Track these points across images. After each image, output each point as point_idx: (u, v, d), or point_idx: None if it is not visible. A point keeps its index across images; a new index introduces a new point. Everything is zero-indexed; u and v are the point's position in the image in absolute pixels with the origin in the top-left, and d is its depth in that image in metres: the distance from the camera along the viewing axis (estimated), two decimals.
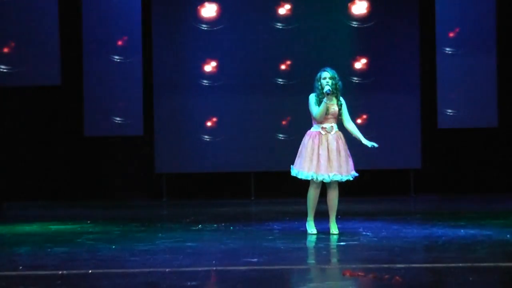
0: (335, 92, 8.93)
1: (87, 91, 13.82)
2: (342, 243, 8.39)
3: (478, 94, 13.77)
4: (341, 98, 9.04)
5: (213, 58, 13.92)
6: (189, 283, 6.24)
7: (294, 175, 9.04)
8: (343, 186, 9.27)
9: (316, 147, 8.90)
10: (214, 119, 13.96)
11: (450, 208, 12.00)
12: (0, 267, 7.11)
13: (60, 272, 6.74)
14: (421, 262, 7.28)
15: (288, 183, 10.45)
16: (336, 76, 9.01)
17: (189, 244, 8.38)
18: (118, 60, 13.81)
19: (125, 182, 14.25)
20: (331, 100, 8.94)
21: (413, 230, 9.29)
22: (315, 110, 8.93)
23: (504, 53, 13.90)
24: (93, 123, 13.81)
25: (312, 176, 8.87)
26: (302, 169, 8.91)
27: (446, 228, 9.39)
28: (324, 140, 8.91)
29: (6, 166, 13.82)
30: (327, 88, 8.85)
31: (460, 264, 6.88)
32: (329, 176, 8.85)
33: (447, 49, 13.79)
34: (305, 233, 9.05)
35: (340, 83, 9.03)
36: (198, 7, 13.94)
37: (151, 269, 6.85)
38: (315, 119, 8.98)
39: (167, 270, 6.81)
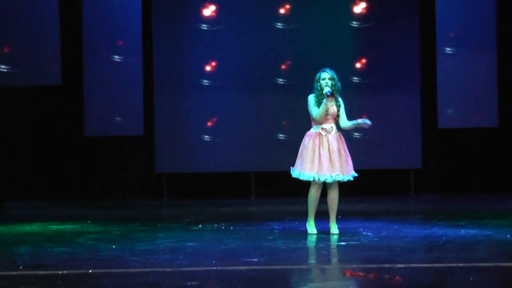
0: (335, 94, 8.93)
1: (87, 91, 13.82)
2: (342, 243, 8.39)
3: (478, 94, 13.78)
4: (339, 99, 9.03)
5: (213, 58, 13.93)
6: (189, 283, 6.24)
7: (296, 176, 9.02)
8: (343, 186, 9.27)
9: (317, 148, 8.90)
10: (214, 119, 13.97)
11: (450, 208, 12.00)
12: (0, 267, 7.11)
13: (60, 272, 6.73)
14: (421, 262, 7.27)
15: (288, 183, 10.45)
16: (335, 76, 9.01)
17: (190, 244, 8.38)
18: (118, 60, 13.81)
19: (125, 182, 14.26)
20: (331, 101, 8.94)
21: (414, 230, 9.29)
22: (315, 111, 8.93)
23: (504, 53, 13.91)
24: (93, 123, 13.81)
25: (314, 177, 8.86)
26: (303, 170, 8.91)
27: (446, 228, 9.39)
28: (324, 141, 8.91)
29: (6, 166, 13.82)
30: (326, 90, 8.84)
31: (460, 264, 6.88)
32: (331, 177, 8.85)
33: (447, 49, 13.79)
34: (305, 233, 9.05)
35: (339, 83, 9.03)
36: (198, 7, 13.95)
37: (152, 269, 6.85)
38: (315, 120, 8.97)
39: (167, 270, 6.81)
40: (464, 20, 13.79)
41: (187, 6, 13.98)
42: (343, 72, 11.19)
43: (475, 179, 14.04)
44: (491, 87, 13.77)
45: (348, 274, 6.45)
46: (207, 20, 13.94)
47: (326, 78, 8.96)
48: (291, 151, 9.36)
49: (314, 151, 8.90)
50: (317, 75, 9.03)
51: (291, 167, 9.06)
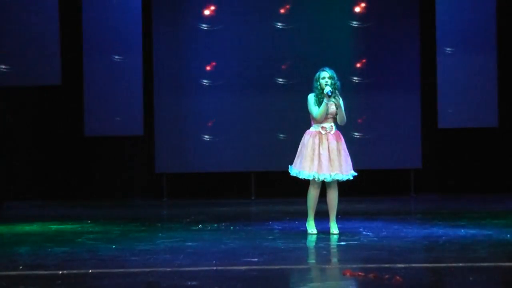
0: (335, 94, 8.93)
1: (87, 91, 13.82)
2: (342, 243, 8.39)
3: (478, 94, 13.77)
4: (339, 98, 9.02)
5: (213, 58, 13.92)
6: (189, 283, 6.24)
7: (294, 175, 9.03)
8: (343, 186, 9.27)
9: (316, 146, 8.90)
10: (214, 119, 13.96)
11: (450, 208, 12.00)
12: (1, 267, 7.11)
13: (60, 272, 6.74)
14: (421, 262, 7.28)
15: (288, 183, 10.45)
16: (334, 76, 9.01)
17: (189, 244, 8.38)
18: (118, 60, 13.81)
19: (125, 182, 14.26)
20: (330, 100, 8.94)
21: (414, 230, 9.29)
22: (315, 110, 8.93)
23: (504, 53, 13.91)
24: (93, 123, 13.81)
25: (313, 176, 8.86)
26: (303, 168, 8.91)
27: (446, 228, 9.39)
28: (324, 140, 8.91)
29: (6, 166, 13.81)
30: (327, 89, 8.84)
31: (460, 264, 6.88)
32: (330, 176, 8.85)
33: (447, 49, 13.79)
34: (305, 233, 9.05)
35: (338, 83, 9.03)
36: (199, 7, 13.94)
37: (152, 269, 6.85)
38: (315, 119, 8.98)
39: (167, 269, 6.81)
40: (464, 20, 13.78)
41: (187, 6, 13.98)
42: (343, 72, 11.19)
43: (475, 179, 14.04)
44: (491, 87, 13.77)
45: (348, 274, 6.45)
46: (207, 20, 13.93)
47: (325, 77, 8.96)
48: (291, 151, 9.36)
49: (313, 150, 8.90)
50: (317, 75, 9.04)
51: (289, 166, 9.06)
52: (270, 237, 8.82)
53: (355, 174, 9.05)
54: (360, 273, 6.42)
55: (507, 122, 13.95)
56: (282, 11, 13.95)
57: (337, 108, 8.96)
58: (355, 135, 13.56)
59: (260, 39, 13.92)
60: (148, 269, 6.84)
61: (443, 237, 8.58)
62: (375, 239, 8.59)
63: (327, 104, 8.88)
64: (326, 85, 8.91)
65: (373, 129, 13.86)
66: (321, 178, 8.86)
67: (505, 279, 6.38)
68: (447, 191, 14.00)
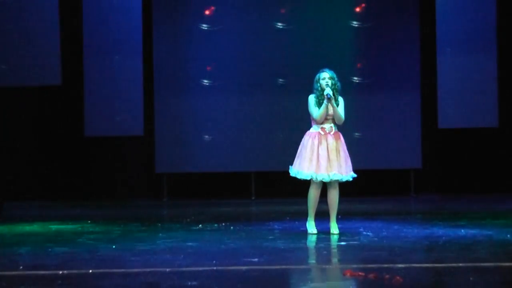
0: (335, 94, 8.93)
1: (87, 91, 13.82)
2: (342, 243, 8.39)
3: (478, 94, 13.77)
4: (339, 98, 9.03)
5: (213, 58, 13.92)
6: (189, 283, 6.24)
7: (294, 175, 9.05)
8: (343, 186, 9.27)
9: (316, 147, 8.91)
10: (214, 119, 13.95)
11: (450, 208, 12.00)
12: (1, 267, 7.11)
13: (60, 272, 6.74)
14: (421, 262, 7.28)
15: (288, 183, 10.45)
16: (335, 76, 9.02)
17: (190, 244, 8.38)
18: (118, 60, 13.80)
19: (125, 182, 14.26)
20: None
21: (414, 230, 9.29)
22: (316, 111, 8.93)
23: (504, 53, 13.90)
24: (93, 123, 13.80)
25: (311, 176, 8.87)
26: (301, 169, 8.92)
27: (446, 228, 9.39)
28: (324, 140, 8.92)
29: (6, 166, 13.81)
30: (327, 91, 8.84)
31: (460, 264, 6.88)
32: (328, 176, 8.86)
33: (447, 49, 13.79)
34: (305, 233, 9.06)
35: (338, 83, 9.04)
36: (199, 7, 13.94)
37: (152, 269, 6.85)
38: (315, 120, 8.98)
39: (167, 270, 6.81)
40: (464, 20, 13.78)
41: (188, 6, 13.97)
42: (343, 72, 11.19)
43: (475, 179, 14.04)
44: (491, 87, 13.77)
45: (348, 274, 6.45)
46: (207, 20, 13.93)
47: (326, 78, 8.97)
48: (291, 151, 9.36)
49: (313, 150, 8.90)
50: (317, 76, 9.05)
51: (290, 166, 9.08)
52: (270, 237, 8.82)
53: (355, 175, 9.05)
54: (360, 273, 6.42)
55: (507, 122, 13.95)
56: (282, 11, 13.94)
57: (333, 106, 8.93)
58: (355, 135, 13.56)
59: (260, 39, 13.92)
60: (148, 269, 6.84)
61: (443, 237, 8.58)
62: (375, 239, 8.59)
63: (327, 105, 8.89)
64: (326, 85, 8.91)
65: (373, 129, 13.85)
66: (319, 178, 8.87)
67: (505, 279, 6.38)
68: (447, 191, 14.00)
